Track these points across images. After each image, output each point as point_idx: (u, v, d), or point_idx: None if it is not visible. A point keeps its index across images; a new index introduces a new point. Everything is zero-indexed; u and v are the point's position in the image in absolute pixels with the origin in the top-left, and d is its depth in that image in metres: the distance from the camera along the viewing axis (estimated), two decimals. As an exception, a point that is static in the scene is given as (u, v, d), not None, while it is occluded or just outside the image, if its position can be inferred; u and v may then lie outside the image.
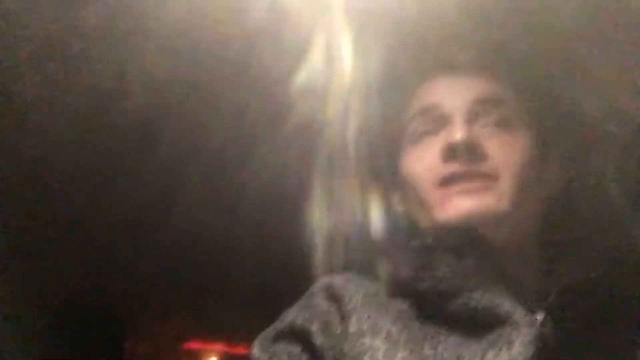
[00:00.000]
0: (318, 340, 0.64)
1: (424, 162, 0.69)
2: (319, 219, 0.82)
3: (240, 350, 2.41)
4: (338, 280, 0.70)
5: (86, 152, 1.11)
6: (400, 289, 0.67)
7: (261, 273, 1.31)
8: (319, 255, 0.78)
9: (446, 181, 0.66)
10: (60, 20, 0.84)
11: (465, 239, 0.65)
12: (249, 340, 0.68)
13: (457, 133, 0.66)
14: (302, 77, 0.79)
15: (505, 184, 0.65)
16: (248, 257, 1.33)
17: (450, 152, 0.66)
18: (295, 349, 0.65)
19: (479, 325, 0.60)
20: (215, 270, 1.57)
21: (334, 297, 0.67)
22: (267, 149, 0.96)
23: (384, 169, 0.75)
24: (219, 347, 2.57)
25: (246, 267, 1.38)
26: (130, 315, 2.04)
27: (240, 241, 1.29)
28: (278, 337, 0.66)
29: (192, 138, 1.01)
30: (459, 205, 0.65)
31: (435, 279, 0.64)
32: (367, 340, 0.61)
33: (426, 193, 0.68)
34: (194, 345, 2.64)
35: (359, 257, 0.74)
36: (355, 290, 0.67)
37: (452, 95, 0.70)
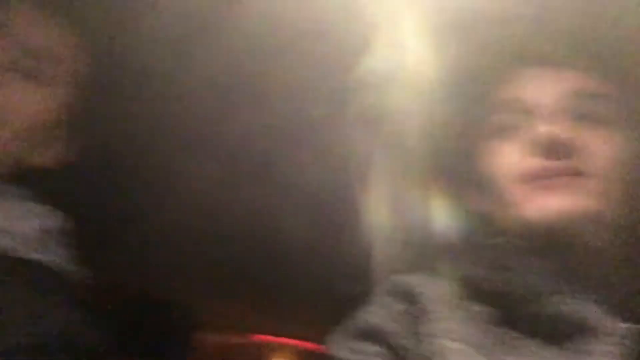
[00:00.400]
0: (395, 340, 0.63)
1: (506, 157, 0.66)
2: (387, 216, 0.80)
3: (308, 345, 2.42)
4: (412, 280, 0.68)
5: (164, 146, 1.12)
6: (475, 291, 0.64)
7: (329, 270, 1.30)
8: (387, 255, 0.77)
9: (530, 177, 0.63)
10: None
11: (548, 238, 0.61)
12: (316, 336, 0.68)
13: (543, 127, 0.63)
14: (370, 66, 0.77)
15: (595, 182, 0.61)
16: (315, 255, 1.33)
17: (535, 147, 0.63)
18: (373, 347, 0.63)
19: (559, 332, 0.57)
20: (285, 266, 1.57)
21: (409, 297, 0.66)
22: (334, 138, 0.94)
23: (457, 164, 0.73)
24: (287, 341, 2.59)
25: (314, 264, 1.38)
26: (199, 307, 2.08)
27: (308, 239, 1.29)
28: (356, 336, 0.65)
29: (258, 129, 1.00)
30: (543, 203, 0.61)
31: (514, 281, 0.61)
32: (443, 342, 0.59)
33: (507, 190, 0.64)
34: (262, 338, 2.67)
35: (429, 257, 0.72)
36: (430, 291, 0.66)
37: (539, 87, 0.66)
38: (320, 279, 1.51)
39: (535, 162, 0.63)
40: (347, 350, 0.65)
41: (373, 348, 0.64)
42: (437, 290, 0.66)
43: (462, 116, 0.72)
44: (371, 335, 0.65)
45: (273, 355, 2.56)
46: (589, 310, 0.57)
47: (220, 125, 1.02)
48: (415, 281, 0.68)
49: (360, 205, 0.85)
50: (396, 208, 0.80)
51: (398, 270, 0.72)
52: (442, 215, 0.73)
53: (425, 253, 0.73)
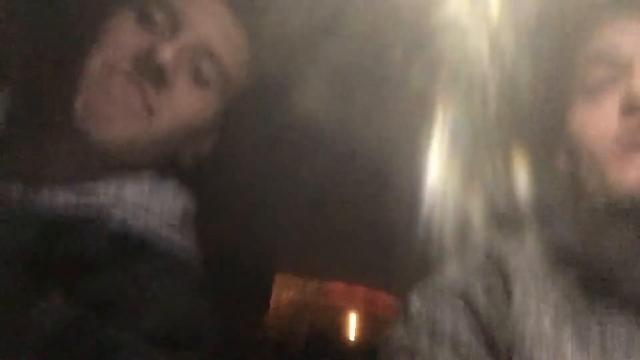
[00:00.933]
0: (480, 300, 0.61)
1: (599, 116, 0.61)
2: (463, 177, 0.76)
3: (381, 295, 2.44)
4: (500, 241, 0.66)
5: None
6: (565, 258, 0.62)
7: (406, 226, 1.29)
8: (467, 217, 0.74)
9: (626, 139, 0.58)
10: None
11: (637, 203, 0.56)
12: (387, 286, 0.67)
13: None
14: (445, 10, 0.72)
15: None
16: (391, 211, 1.31)
17: (632, 105, 0.57)
18: (458, 303, 0.62)
19: None
20: (362, 219, 1.58)
21: (497, 258, 0.64)
22: (400, 94, 0.91)
23: (543, 123, 0.68)
24: (361, 289, 2.63)
25: (391, 219, 1.36)
26: (277, 256, 2.14)
27: (384, 193, 1.27)
28: (440, 291, 0.64)
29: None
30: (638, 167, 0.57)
31: (606, 248, 0.58)
32: (532, 311, 0.57)
33: (601, 152, 0.60)
34: (337, 286, 2.72)
35: (515, 222, 0.69)
36: (519, 255, 0.63)
37: (636, 38, 0.60)
38: (396, 234, 1.51)
39: (632, 123, 0.58)
40: (430, 302, 0.63)
41: (458, 303, 0.62)
42: (526, 255, 0.63)
43: (547, 70, 0.67)
44: (456, 291, 0.63)
45: (346, 300, 2.61)
46: None
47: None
48: (504, 242, 0.65)
49: (434, 162, 0.82)
50: (474, 169, 0.77)
51: (481, 234, 0.70)
52: (525, 178, 0.69)
53: (510, 218, 0.70)
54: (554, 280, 0.61)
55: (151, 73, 0.65)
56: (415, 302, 0.64)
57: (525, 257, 0.63)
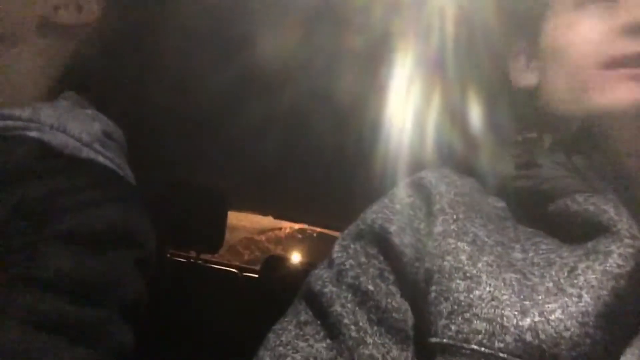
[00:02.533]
0: (396, 239, 0.59)
1: (588, 34, 0.58)
2: (408, 110, 0.78)
3: (333, 233, 2.50)
4: (429, 177, 0.65)
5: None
6: (498, 187, 0.63)
7: (354, 167, 1.33)
8: (411, 152, 0.76)
9: (617, 62, 0.55)
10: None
11: (594, 133, 0.56)
12: (339, 225, 0.67)
13: None
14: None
15: None
16: (342, 141, 1.34)
17: (629, 27, 0.54)
18: (372, 250, 0.60)
19: (578, 231, 0.55)
20: (312, 162, 1.60)
21: (423, 194, 0.63)
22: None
23: (511, 35, 0.65)
24: (313, 229, 2.68)
25: (341, 157, 1.40)
26: (231, 193, 2.16)
27: (334, 139, 1.30)
28: (358, 237, 0.62)
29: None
30: (625, 92, 0.54)
31: (540, 177, 0.59)
32: (452, 241, 0.57)
33: (583, 72, 0.57)
34: (287, 224, 2.77)
35: (455, 151, 0.70)
36: (445, 189, 0.62)
37: None
38: (343, 175, 1.55)
39: (628, 47, 0.55)
40: (347, 251, 0.62)
41: (373, 249, 0.61)
42: (455, 189, 0.62)
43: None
44: (373, 235, 0.61)
45: (295, 238, 2.67)
46: (613, 210, 0.54)
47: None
48: (433, 178, 0.64)
49: (385, 100, 0.85)
50: (431, 108, 0.78)
51: (425, 166, 0.69)
52: (478, 112, 0.69)
53: (451, 150, 0.72)
54: (480, 210, 0.60)
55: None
56: (335, 246, 0.63)
57: (454, 190, 0.62)
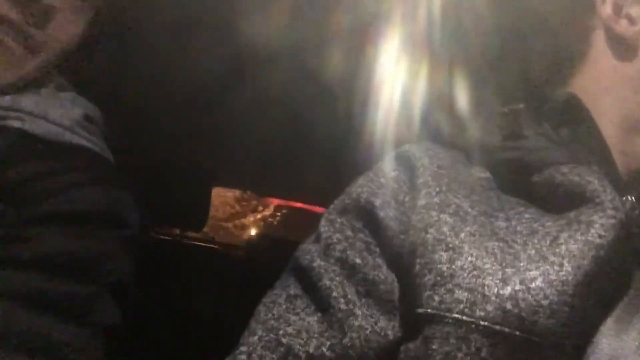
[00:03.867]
0: (381, 212, 0.60)
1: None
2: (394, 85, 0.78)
3: (319, 210, 2.51)
4: (412, 150, 0.66)
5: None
6: (482, 158, 0.64)
7: (344, 141, 1.33)
8: (396, 127, 0.76)
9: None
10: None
11: (573, 105, 0.58)
12: (326, 202, 0.68)
13: None
14: None
15: None
16: (329, 121, 1.35)
17: None
18: (358, 223, 0.62)
19: (561, 201, 0.57)
20: (299, 138, 1.60)
21: (407, 167, 0.64)
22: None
23: None
24: (299, 205, 2.69)
25: (329, 135, 1.40)
26: (216, 169, 2.16)
27: (322, 116, 1.30)
28: (344, 211, 0.64)
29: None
30: None
31: (525, 148, 0.60)
32: (434, 214, 0.58)
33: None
34: (275, 201, 2.78)
35: (442, 128, 0.70)
36: (429, 161, 0.63)
37: None
38: (330, 152, 1.55)
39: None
40: (334, 225, 0.63)
41: (358, 223, 0.62)
42: (438, 161, 0.63)
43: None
44: (359, 209, 0.62)
45: (282, 214, 2.68)
46: (596, 181, 0.55)
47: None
48: (416, 151, 0.65)
49: (373, 79, 0.85)
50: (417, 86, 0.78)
51: (408, 140, 0.70)
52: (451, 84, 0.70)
53: (438, 127, 0.72)
54: (463, 182, 0.61)
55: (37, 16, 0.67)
56: (322, 221, 0.64)
57: (437, 162, 0.63)
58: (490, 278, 0.52)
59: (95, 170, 0.70)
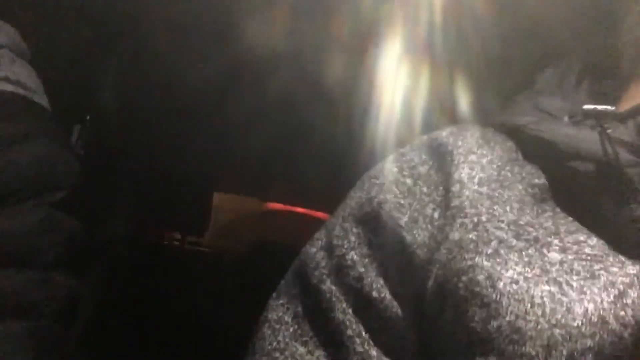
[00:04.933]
0: (408, 236, 0.51)
1: None
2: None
3: (320, 215, 2.50)
4: (450, 144, 0.54)
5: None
6: (551, 159, 0.51)
7: (345, 148, 1.33)
8: (397, 135, 0.75)
9: None
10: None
11: None
12: (327, 207, 0.67)
13: None
14: None
15: None
16: (330, 126, 1.35)
17: None
18: (377, 239, 0.53)
19: (632, 241, 0.46)
20: (300, 143, 1.60)
21: (441, 167, 0.53)
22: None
23: None
24: (301, 210, 2.68)
25: (330, 141, 1.40)
26: (217, 175, 2.16)
27: (324, 121, 1.30)
28: (363, 221, 0.54)
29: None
30: None
31: (609, 164, 0.47)
32: (468, 256, 0.48)
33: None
34: (276, 206, 2.77)
35: (442, 126, 0.60)
36: (468, 174, 0.52)
37: None
38: (331, 158, 1.55)
39: None
40: (352, 232, 0.54)
41: (379, 239, 0.53)
42: (481, 171, 0.52)
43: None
44: (380, 223, 0.53)
45: (281, 220, 2.67)
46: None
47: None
48: (459, 152, 0.53)
49: (374, 86, 0.85)
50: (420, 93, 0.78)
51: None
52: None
53: (437, 125, 0.69)
54: (509, 197, 0.51)
55: None
56: (337, 228, 0.56)
57: (480, 173, 0.52)
58: (532, 345, 0.43)
59: (16, 123, 0.62)
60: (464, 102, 0.67)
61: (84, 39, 0.78)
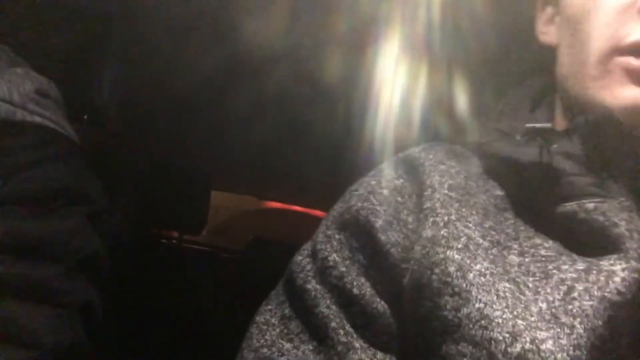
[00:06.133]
0: (382, 237, 0.55)
1: (602, 16, 0.52)
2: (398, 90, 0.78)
3: (318, 213, 2.51)
4: (422, 158, 0.59)
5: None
6: (506, 173, 0.56)
7: (343, 145, 1.33)
8: (395, 133, 0.76)
9: (633, 49, 0.50)
10: None
11: (605, 128, 0.51)
12: (324, 205, 0.67)
13: None
14: None
15: None
16: (328, 124, 1.35)
17: None
18: (357, 243, 0.57)
19: (583, 240, 0.50)
20: (300, 142, 1.60)
21: (414, 179, 0.58)
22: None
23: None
24: (298, 209, 2.68)
25: (328, 139, 1.40)
26: (215, 173, 2.16)
27: (323, 121, 1.30)
28: (343, 227, 0.58)
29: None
30: (631, 92, 0.50)
31: (552, 170, 0.52)
32: (440, 250, 0.52)
33: (592, 53, 0.52)
34: (274, 204, 2.77)
35: (441, 125, 0.69)
36: (439, 181, 0.57)
37: None
38: (329, 156, 1.55)
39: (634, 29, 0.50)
40: (334, 239, 0.58)
41: (358, 243, 0.57)
42: (450, 179, 0.57)
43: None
44: (358, 227, 0.57)
45: (279, 218, 2.67)
46: (624, 225, 0.48)
47: None
48: (429, 164, 0.58)
49: (372, 84, 0.85)
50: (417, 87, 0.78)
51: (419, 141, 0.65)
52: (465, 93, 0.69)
53: (437, 133, 0.71)
54: (476, 203, 0.55)
55: None
56: (319, 235, 0.60)
57: (449, 181, 0.57)
58: (499, 330, 0.47)
59: (51, 147, 0.68)
60: (461, 100, 0.68)
61: (80, 37, 0.78)
